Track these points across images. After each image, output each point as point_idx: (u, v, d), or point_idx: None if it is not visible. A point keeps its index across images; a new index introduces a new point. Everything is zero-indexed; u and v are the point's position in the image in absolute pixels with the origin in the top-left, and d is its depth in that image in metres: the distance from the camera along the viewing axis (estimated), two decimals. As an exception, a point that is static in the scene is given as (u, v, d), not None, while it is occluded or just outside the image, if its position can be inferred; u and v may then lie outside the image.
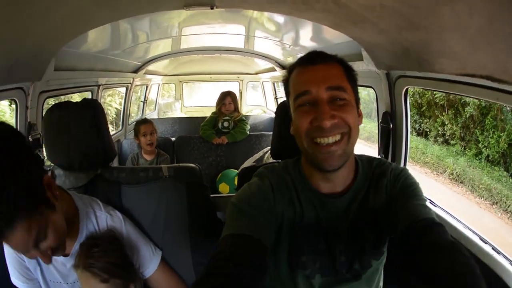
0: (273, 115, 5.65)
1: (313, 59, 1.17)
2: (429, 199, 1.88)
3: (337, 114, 1.09)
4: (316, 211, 1.24)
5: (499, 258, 1.43)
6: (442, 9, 1.05)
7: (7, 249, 1.44)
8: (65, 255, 1.40)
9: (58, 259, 1.41)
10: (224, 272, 0.94)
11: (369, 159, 1.31)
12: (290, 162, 1.32)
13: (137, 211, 1.65)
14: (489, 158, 9.92)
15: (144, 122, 3.73)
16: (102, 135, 1.60)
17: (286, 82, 1.25)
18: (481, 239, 1.57)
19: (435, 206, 1.88)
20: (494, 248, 1.49)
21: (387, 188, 1.21)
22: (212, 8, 1.89)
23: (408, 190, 1.17)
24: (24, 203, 1.04)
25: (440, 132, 11.92)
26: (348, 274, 1.26)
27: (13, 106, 1.91)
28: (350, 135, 1.12)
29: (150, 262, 1.55)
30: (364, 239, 1.23)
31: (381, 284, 1.40)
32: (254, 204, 1.17)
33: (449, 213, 1.81)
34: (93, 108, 1.60)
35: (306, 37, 2.93)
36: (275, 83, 6.03)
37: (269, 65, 4.95)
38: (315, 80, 1.12)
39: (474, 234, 1.61)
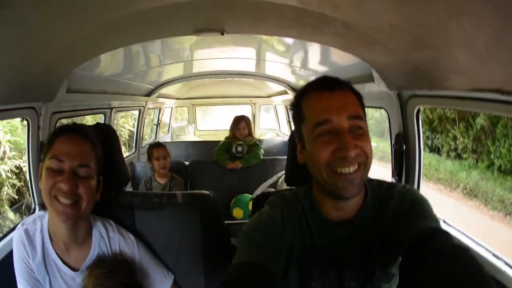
0: (286, 138, 5.67)
1: (330, 85, 1.14)
2: (443, 220, 1.85)
3: (358, 144, 1.07)
4: (326, 238, 1.22)
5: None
6: (449, 24, 1.05)
7: (17, 260, 1.45)
8: (75, 270, 1.46)
9: (67, 273, 1.45)
10: None
11: (379, 183, 1.29)
12: (301, 190, 1.31)
13: (151, 236, 1.65)
14: (501, 168, 9.79)
15: (157, 146, 3.73)
16: (115, 160, 1.62)
17: (296, 108, 1.22)
18: (494, 255, 1.53)
19: (449, 227, 1.84)
20: (506, 263, 1.46)
21: (394, 209, 1.20)
22: (222, 34, 1.92)
23: (416, 207, 1.16)
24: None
25: (452, 147, 11.84)
26: None
27: (25, 122, 1.94)
28: (366, 164, 1.11)
29: (161, 286, 1.56)
30: (373, 262, 1.21)
31: None
32: (265, 233, 1.16)
33: (463, 234, 1.77)
34: (106, 133, 1.63)
35: (317, 59, 2.95)
36: (288, 107, 5.99)
37: (281, 88, 4.98)
38: (335, 108, 1.09)
39: (487, 251, 1.57)
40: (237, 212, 3.84)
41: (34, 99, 1.88)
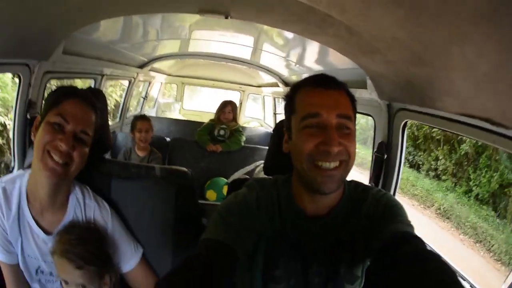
0: (270, 130, 5.68)
1: (326, 83, 1.17)
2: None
3: (342, 142, 1.10)
4: (297, 230, 1.25)
5: None
6: (452, 48, 1.07)
7: None
8: (48, 234, 1.43)
9: (40, 236, 1.43)
10: (192, 269, 0.98)
11: (357, 184, 1.32)
12: (280, 179, 1.33)
13: (124, 206, 1.64)
14: (479, 196, 10.06)
15: (142, 118, 3.71)
16: (102, 126, 1.60)
17: (289, 99, 1.24)
18: (460, 276, 1.59)
19: None
20: (472, 286, 1.52)
21: (368, 211, 1.22)
22: (226, 18, 1.92)
23: (390, 211, 1.18)
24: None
25: (432, 167, 12.12)
26: None
27: (16, 80, 1.91)
28: (348, 163, 1.13)
29: (131, 258, 1.56)
30: (340, 261, 1.24)
31: None
32: (237, 214, 1.19)
33: (431, 248, 1.83)
34: (97, 98, 1.60)
35: (313, 58, 2.98)
36: (276, 99, 6.07)
37: (272, 80, 5.00)
38: (327, 105, 1.12)
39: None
40: (211, 194, 3.87)
41: (29, 56, 1.86)
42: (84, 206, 1.51)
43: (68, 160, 1.34)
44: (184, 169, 1.75)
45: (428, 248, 1.00)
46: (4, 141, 7.05)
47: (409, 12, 1.06)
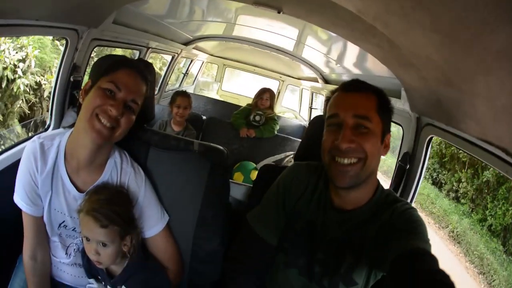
0: (304, 122, 5.69)
1: (349, 86, 1.32)
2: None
3: (356, 140, 1.22)
4: (318, 215, 1.38)
5: None
6: (477, 77, 1.13)
7: (22, 170, 1.49)
8: (80, 192, 1.50)
9: (72, 192, 1.50)
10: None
11: (390, 193, 1.39)
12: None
13: (159, 175, 1.70)
14: (491, 227, 9.77)
15: (182, 94, 3.74)
16: (148, 98, 1.67)
17: (326, 102, 1.38)
18: None
19: None
20: None
21: (388, 223, 1.27)
22: (279, 13, 1.98)
23: (411, 226, 1.21)
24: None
25: (454, 188, 11.79)
26: (317, 285, 1.37)
27: (56, 42, 1.95)
28: (365, 161, 1.23)
29: (156, 225, 1.60)
30: (342, 260, 1.32)
31: None
32: (274, 202, 1.49)
33: None
34: (147, 69, 1.67)
35: (353, 60, 2.99)
36: (314, 94, 6.04)
37: (312, 74, 4.99)
38: (344, 106, 1.26)
39: None
40: (238, 176, 3.92)
41: (80, 22, 1.93)
42: (120, 170, 1.56)
43: (115, 125, 1.41)
44: (220, 147, 1.80)
45: (440, 268, 0.99)
46: (37, 100, 7.21)
47: (444, 38, 1.12)
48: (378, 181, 1.39)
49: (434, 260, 1.02)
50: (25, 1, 1.29)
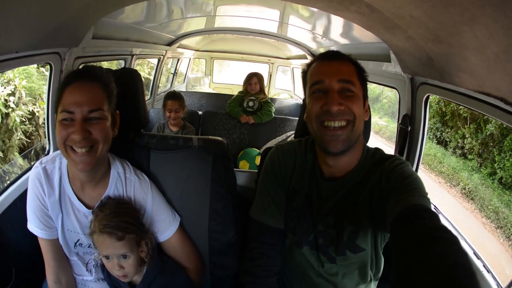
0: (300, 101, 5.68)
1: (329, 56, 1.35)
2: (434, 205, 1.91)
3: (344, 102, 1.25)
4: (312, 189, 1.41)
5: (488, 277, 1.48)
6: (463, 28, 1.09)
7: (31, 197, 1.49)
8: (89, 208, 1.50)
9: (81, 210, 1.50)
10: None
11: (376, 151, 1.40)
12: (310, 139, 1.51)
13: (163, 176, 1.71)
14: (502, 180, 9.70)
15: (172, 97, 3.73)
16: (138, 103, 1.68)
17: (304, 74, 1.42)
18: (475, 253, 1.62)
19: (439, 213, 1.91)
20: (485, 266, 1.54)
21: (379, 182, 1.27)
22: None
23: (404, 183, 1.18)
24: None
25: (459, 144, 11.75)
26: (325, 257, 1.39)
27: (41, 69, 1.93)
28: (354, 123, 1.26)
29: (169, 227, 1.61)
30: (342, 227, 1.34)
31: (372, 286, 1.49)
32: (271, 188, 1.51)
33: (450, 222, 1.86)
34: (131, 77, 1.68)
35: (339, 31, 2.96)
36: (304, 66, 5.93)
37: (301, 52, 4.97)
38: (328, 73, 1.29)
39: (470, 248, 1.66)
40: (243, 164, 3.93)
41: (59, 44, 1.90)
42: (125, 180, 1.56)
43: (92, 143, 1.36)
44: (220, 138, 1.81)
45: (441, 224, 0.95)
46: (34, 128, 7.23)
47: (423, -7, 1.09)
48: (363, 143, 1.42)
49: (434, 216, 0.98)
50: (1, 36, 1.27)
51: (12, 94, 6.55)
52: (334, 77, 1.28)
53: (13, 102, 6.56)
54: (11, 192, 1.77)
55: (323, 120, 1.27)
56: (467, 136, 11.37)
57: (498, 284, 1.45)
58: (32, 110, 6.99)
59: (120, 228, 1.40)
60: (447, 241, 0.86)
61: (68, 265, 1.60)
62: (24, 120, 6.93)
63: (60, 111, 1.35)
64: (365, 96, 1.36)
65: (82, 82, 1.38)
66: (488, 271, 1.52)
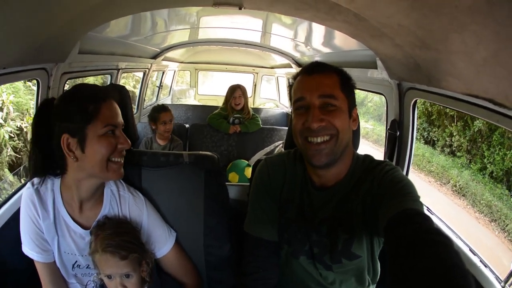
0: (286, 109, 5.69)
1: (311, 69, 1.35)
2: (427, 207, 1.96)
3: (325, 118, 1.26)
4: (303, 199, 1.42)
5: (486, 272, 1.51)
6: (452, 35, 1.14)
7: (24, 219, 1.46)
8: (85, 228, 1.48)
9: (77, 232, 1.48)
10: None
11: (366, 158, 1.41)
12: (299, 151, 1.50)
13: (156, 193, 1.70)
14: (493, 174, 9.91)
15: (164, 110, 3.70)
16: (127, 120, 1.65)
17: (290, 88, 1.42)
18: (471, 250, 1.65)
19: (432, 214, 1.96)
20: (482, 261, 1.57)
21: (370, 188, 1.28)
22: (240, 9, 1.97)
23: (396, 188, 1.18)
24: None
25: (447, 143, 11.94)
26: (321, 265, 1.40)
27: (28, 83, 1.91)
28: (338, 136, 1.27)
29: (165, 244, 1.60)
30: (336, 235, 1.35)
31: None
32: (263, 201, 1.51)
33: (444, 222, 1.90)
34: (120, 93, 1.67)
35: (322, 40, 3.01)
36: (291, 80, 5.94)
37: (285, 61, 4.98)
38: (309, 88, 1.30)
39: (465, 245, 1.69)
40: (233, 177, 3.87)
41: (46, 60, 1.89)
42: (119, 198, 1.55)
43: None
44: (210, 153, 1.81)
45: (434, 226, 0.96)
46: (23, 144, 7.14)
47: (413, 3, 1.13)
48: (353, 151, 1.43)
49: (426, 219, 0.99)
50: None
51: (0, 109, 6.48)
52: (315, 92, 1.28)
53: (1, 118, 6.50)
54: (4, 212, 1.74)
55: (306, 136, 1.29)
56: (454, 134, 11.59)
57: (497, 277, 1.48)
58: (20, 125, 6.92)
59: (123, 247, 1.38)
60: (441, 243, 0.88)
61: None
62: (13, 136, 6.84)
63: (102, 126, 1.36)
64: (351, 106, 1.35)
65: (112, 99, 1.45)
66: (486, 265, 1.54)
